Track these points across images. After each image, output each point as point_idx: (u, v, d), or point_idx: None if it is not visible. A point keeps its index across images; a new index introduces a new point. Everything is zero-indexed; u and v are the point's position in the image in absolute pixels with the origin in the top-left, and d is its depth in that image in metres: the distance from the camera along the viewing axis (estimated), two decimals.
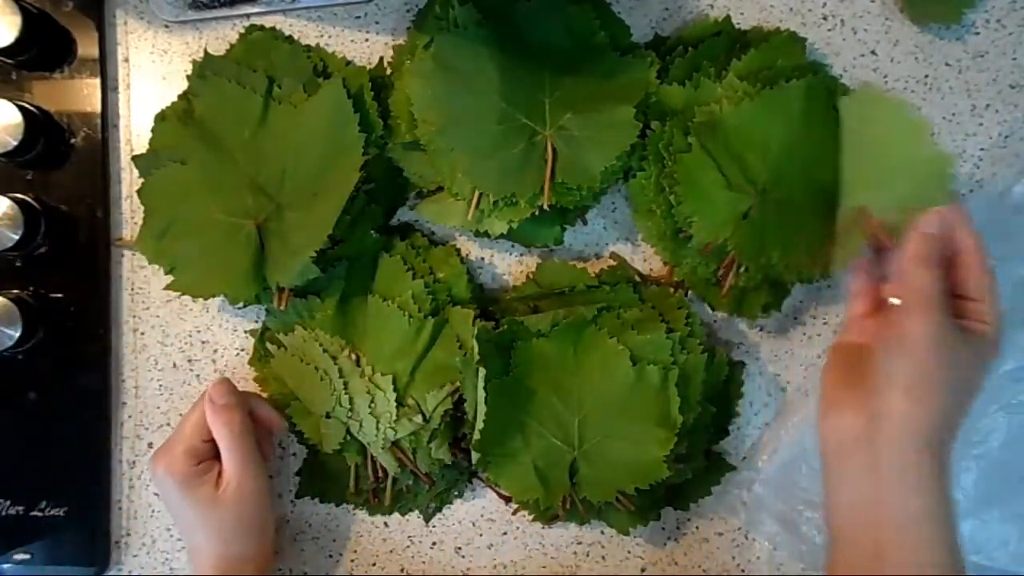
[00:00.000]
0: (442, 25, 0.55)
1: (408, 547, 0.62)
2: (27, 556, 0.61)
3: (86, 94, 0.62)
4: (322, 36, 0.62)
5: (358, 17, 0.61)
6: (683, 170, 0.53)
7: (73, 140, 0.62)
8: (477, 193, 0.55)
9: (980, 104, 0.59)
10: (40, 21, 0.61)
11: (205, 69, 0.58)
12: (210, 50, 0.60)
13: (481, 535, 0.62)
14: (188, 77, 0.59)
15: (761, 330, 0.60)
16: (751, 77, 0.53)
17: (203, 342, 0.63)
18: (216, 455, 0.55)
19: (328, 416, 0.57)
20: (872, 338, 0.47)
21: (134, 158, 0.60)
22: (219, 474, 0.54)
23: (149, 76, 0.63)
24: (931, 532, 0.43)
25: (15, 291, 0.61)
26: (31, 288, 0.62)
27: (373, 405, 0.56)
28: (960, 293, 0.46)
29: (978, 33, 0.59)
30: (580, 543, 0.62)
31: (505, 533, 0.62)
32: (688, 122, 0.53)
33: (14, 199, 0.59)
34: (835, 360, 0.49)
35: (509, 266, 0.62)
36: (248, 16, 0.61)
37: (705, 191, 0.53)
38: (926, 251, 0.45)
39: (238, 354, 0.63)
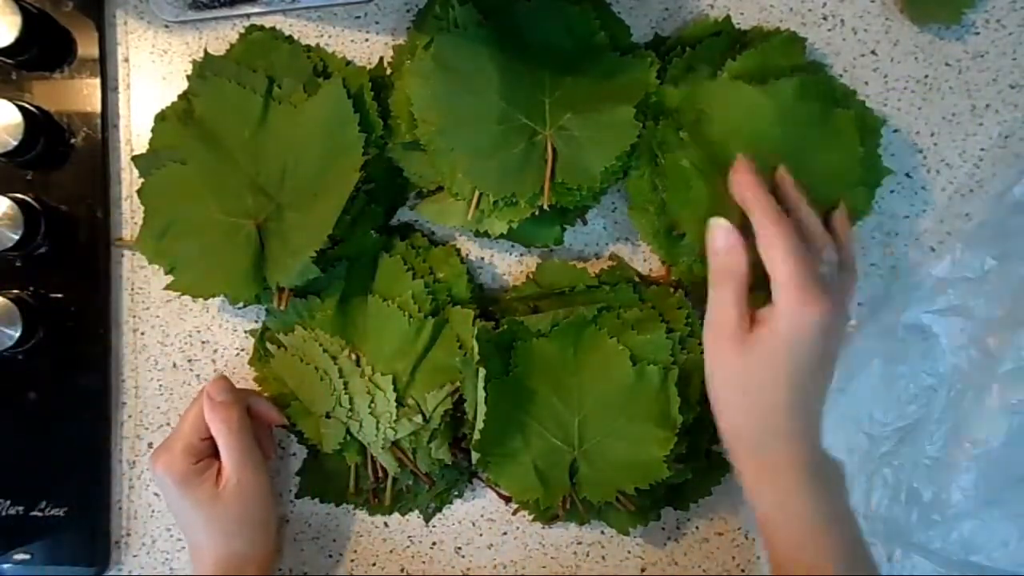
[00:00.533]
0: (442, 25, 0.55)
1: (408, 547, 0.62)
2: (27, 556, 0.61)
3: (86, 94, 0.62)
4: (322, 36, 0.62)
5: (358, 17, 0.61)
6: (672, 166, 0.53)
7: (73, 140, 0.62)
8: (477, 193, 0.55)
9: (980, 104, 0.59)
10: (40, 21, 0.61)
11: (205, 69, 0.58)
12: (210, 50, 0.60)
13: (481, 535, 0.62)
14: (188, 77, 0.59)
15: None
16: (746, 76, 0.53)
17: (203, 342, 0.63)
18: (215, 453, 0.55)
19: (328, 416, 0.57)
20: None
21: (134, 158, 0.60)
22: (219, 472, 0.54)
23: (149, 76, 0.63)
24: (796, 529, 0.46)
25: (15, 291, 0.61)
26: (31, 288, 0.62)
27: (373, 405, 0.56)
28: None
29: (978, 33, 0.59)
30: (580, 543, 0.62)
31: (505, 533, 0.62)
32: (681, 120, 0.53)
33: (14, 199, 0.59)
34: None
35: (509, 266, 0.62)
36: (248, 16, 0.61)
37: (693, 186, 0.53)
38: (721, 267, 0.47)
39: (238, 354, 0.63)
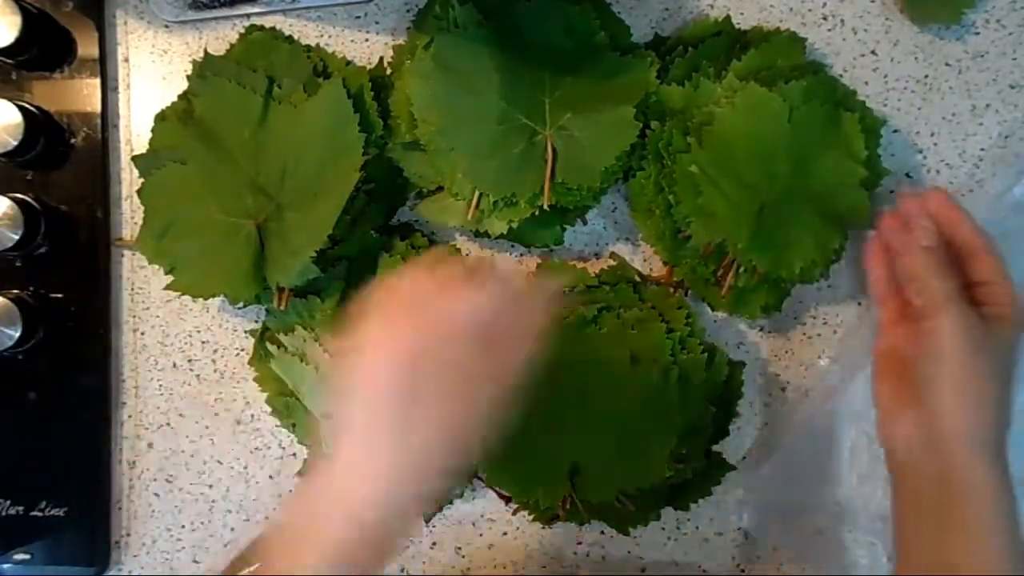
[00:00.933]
0: (442, 25, 0.55)
1: (408, 547, 0.62)
2: (27, 556, 0.61)
3: (86, 94, 0.62)
4: (322, 36, 0.62)
5: (358, 17, 0.61)
6: (682, 170, 0.53)
7: (73, 140, 0.62)
8: (477, 193, 0.55)
9: (980, 104, 0.59)
10: (40, 21, 0.61)
11: (205, 69, 0.58)
12: (210, 50, 0.60)
13: (481, 535, 0.62)
14: (188, 77, 0.59)
15: (761, 330, 0.60)
16: (751, 77, 0.53)
17: (203, 342, 0.63)
18: None
19: (328, 416, 0.57)
20: (910, 347, 0.47)
21: (134, 158, 0.60)
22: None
23: (149, 76, 0.63)
24: (1001, 541, 0.43)
25: (15, 291, 0.61)
26: (31, 288, 0.62)
27: None
28: (976, 280, 0.47)
29: (978, 33, 0.59)
30: (580, 543, 0.62)
31: (505, 533, 0.62)
32: (687, 122, 0.53)
33: (14, 199, 0.59)
34: (881, 371, 0.49)
35: (509, 266, 0.62)
36: (248, 16, 0.61)
37: (703, 191, 0.53)
38: (933, 261, 0.47)
39: (238, 354, 0.63)
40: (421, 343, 0.39)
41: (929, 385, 0.45)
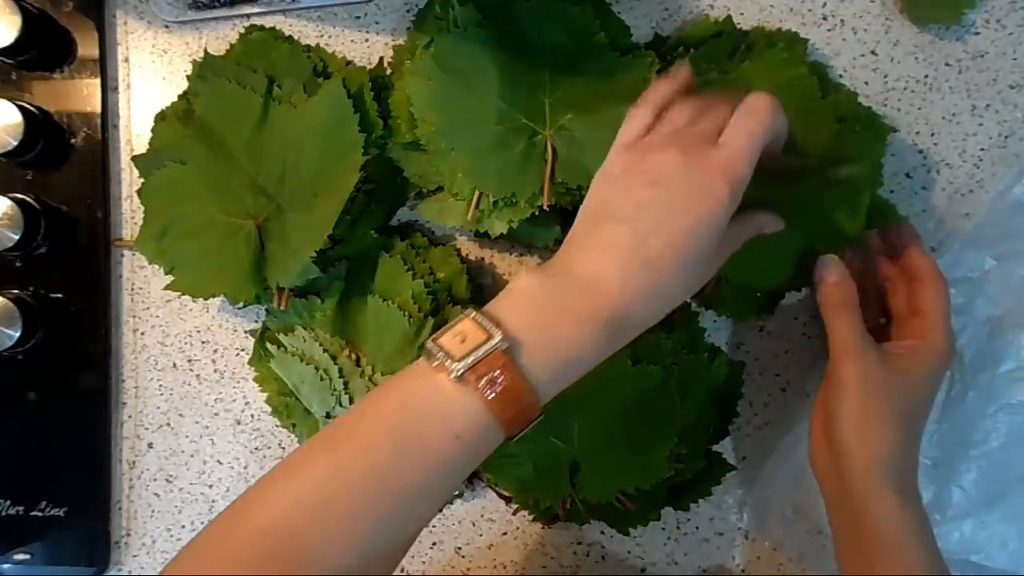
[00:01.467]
0: (442, 25, 0.55)
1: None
2: (27, 556, 0.62)
3: (86, 94, 0.62)
4: (322, 36, 0.62)
5: (358, 17, 0.61)
6: None
7: (73, 140, 0.62)
8: (477, 193, 0.55)
9: (980, 104, 0.59)
10: (40, 21, 0.61)
11: (205, 69, 0.58)
12: (210, 50, 0.60)
13: (481, 535, 0.62)
14: (188, 77, 0.59)
15: (761, 330, 0.60)
16: (751, 80, 0.53)
17: (203, 342, 0.63)
18: None
19: (328, 416, 0.57)
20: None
21: (134, 158, 0.60)
22: None
23: (149, 76, 0.63)
24: (915, 556, 0.45)
25: (15, 291, 0.61)
26: (31, 288, 0.62)
27: None
28: (914, 308, 0.50)
29: (978, 33, 0.59)
30: (580, 543, 0.62)
31: (505, 533, 0.62)
32: None
33: (14, 199, 0.59)
34: (817, 403, 0.51)
35: (509, 266, 0.62)
36: (248, 16, 0.61)
37: None
38: (838, 299, 0.49)
39: (238, 354, 0.63)
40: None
41: (835, 423, 0.47)
